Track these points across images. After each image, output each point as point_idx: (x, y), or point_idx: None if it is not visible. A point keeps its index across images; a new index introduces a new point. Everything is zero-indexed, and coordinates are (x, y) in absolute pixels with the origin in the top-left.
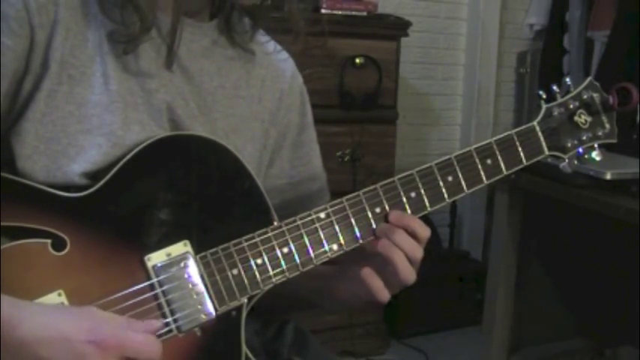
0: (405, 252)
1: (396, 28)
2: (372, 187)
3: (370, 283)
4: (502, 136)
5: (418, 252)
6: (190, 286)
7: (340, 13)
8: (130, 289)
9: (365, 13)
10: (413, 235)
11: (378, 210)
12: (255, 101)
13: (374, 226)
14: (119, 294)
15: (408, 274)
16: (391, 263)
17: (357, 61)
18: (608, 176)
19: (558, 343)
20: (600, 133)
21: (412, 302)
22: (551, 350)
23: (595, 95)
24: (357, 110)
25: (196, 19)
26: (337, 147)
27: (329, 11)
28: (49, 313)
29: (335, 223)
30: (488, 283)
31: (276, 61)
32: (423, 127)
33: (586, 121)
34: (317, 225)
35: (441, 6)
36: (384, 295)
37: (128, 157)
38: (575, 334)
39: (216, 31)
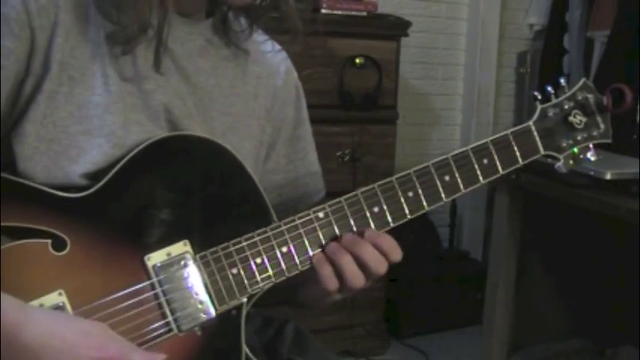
0: (367, 263)
1: (395, 28)
2: (369, 187)
3: (320, 269)
4: (498, 135)
5: (382, 266)
6: (190, 285)
7: (340, 13)
8: (131, 289)
9: (365, 13)
10: (381, 251)
11: (376, 209)
12: (250, 98)
13: (372, 225)
14: (119, 293)
15: (357, 278)
16: (339, 268)
17: (357, 61)
18: (608, 176)
19: (558, 343)
20: (595, 134)
21: (412, 302)
22: (551, 350)
23: (589, 96)
24: (357, 110)
25: (192, 18)
26: (337, 147)
27: (329, 11)
28: (57, 321)
29: (334, 222)
30: (488, 283)
31: (271, 58)
32: (423, 127)
33: (581, 121)
34: (316, 224)
35: (441, 6)
36: (331, 282)
37: (128, 157)
38: (575, 334)
39: (210, 30)
